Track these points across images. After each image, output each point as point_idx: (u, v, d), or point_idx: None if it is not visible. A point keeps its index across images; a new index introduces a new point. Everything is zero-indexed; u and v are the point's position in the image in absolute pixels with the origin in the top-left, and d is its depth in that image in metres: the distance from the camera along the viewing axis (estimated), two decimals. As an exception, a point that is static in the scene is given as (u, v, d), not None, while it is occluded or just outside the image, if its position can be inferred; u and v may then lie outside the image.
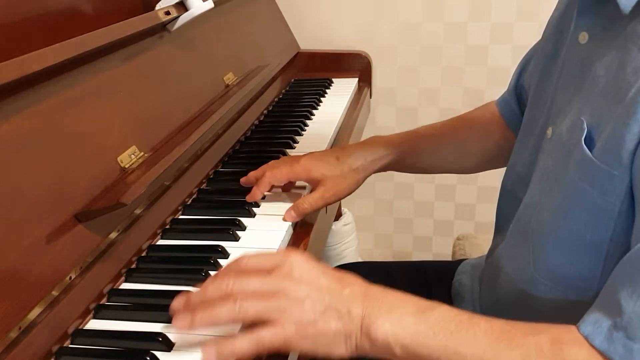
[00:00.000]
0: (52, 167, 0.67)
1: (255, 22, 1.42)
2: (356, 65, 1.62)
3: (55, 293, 0.62)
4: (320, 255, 1.02)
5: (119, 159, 0.77)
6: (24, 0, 0.75)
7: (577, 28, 0.66)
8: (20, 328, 0.57)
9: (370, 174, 0.91)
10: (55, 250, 0.63)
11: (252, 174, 0.89)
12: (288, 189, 0.92)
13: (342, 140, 1.18)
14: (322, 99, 1.39)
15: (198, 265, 0.73)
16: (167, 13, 0.97)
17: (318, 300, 0.57)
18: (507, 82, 0.97)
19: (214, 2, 1.06)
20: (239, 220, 0.81)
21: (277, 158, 0.95)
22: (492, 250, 0.85)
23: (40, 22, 0.77)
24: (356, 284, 0.59)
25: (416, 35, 1.65)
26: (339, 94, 1.44)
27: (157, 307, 0.65)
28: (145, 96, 0.89)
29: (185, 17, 1.00)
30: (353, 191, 0.90)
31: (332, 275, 0.60)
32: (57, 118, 0.71)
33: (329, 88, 1.47)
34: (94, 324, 0.65)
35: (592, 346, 0.52)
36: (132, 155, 0.79)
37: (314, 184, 0.87)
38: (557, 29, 0.73)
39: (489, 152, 0.94)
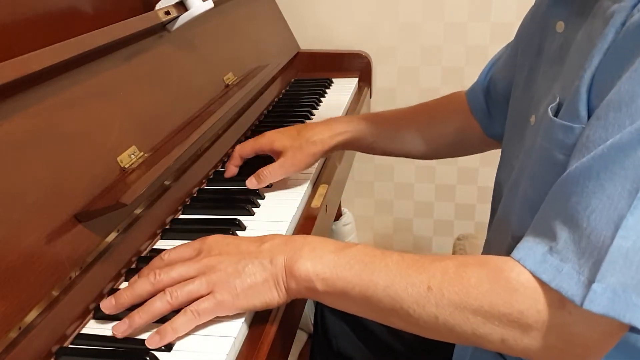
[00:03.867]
0: (52, 167, 0.67)
1: (255, 22, 1.42)
2: (356, 65, 1.62)
3: (55, 293, 0.62)
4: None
5: (119, 159, 0.77)
6: (24, 0, 0.75)
7: (553, 17, 0.68)
8: (20, 328, 0.57)
9: (330, 150, 0.96)
10: (55, 250, 0.63)
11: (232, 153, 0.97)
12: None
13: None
14: (322, 99, 1.39)
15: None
16: (167, 13, 0.97)
17: (240, 262, 0.61)
18: (507, 82, 0.98)
19: (214, 2, 1.05)
20: (239, 220, 0.81)
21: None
22: (485, 245, 0.85)
23: (40, 22, 0.77)
24: (276, 237, 0.64)
25: (416, 35, 1.65)
26: (339, 94, 1.44)
27: (157, 307, 0.65)
28: (145, 96, 0.89)
29: (185, 17, 1.00)
30: (311, 163, 0.95)
31: (250, 240, 0.65)
32: (57, 118, 0.71)
33: (329, 88, 1.47)
34: (94, 324, 0.65)
35: (525, 268, 0.54)
36: (132, 155, 0.79)
37: (277, 155, 0.93)
38: (539, 26, 0.74)
39: (446, 138, 0.98)
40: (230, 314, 0.62)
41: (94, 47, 0.77)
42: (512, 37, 0.90)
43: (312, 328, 1.08)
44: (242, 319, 0.63)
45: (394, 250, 0.60)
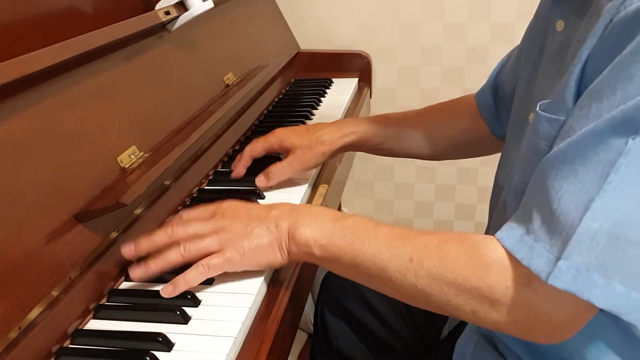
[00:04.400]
0: (52, 167, 0.67)
1: (255, 22, 1.42)
2: (356, 65, 1.62)
3: (55, 293, 0.62)
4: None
5: (119, 159, 0.77)
6: (24, 0, 0.75)
7: (553, 17, 0.69)
8: (20, 328, 0.57)
9: (338, 150, 0.98)
10: (55, 250, 0.63)
11: (238, 155, 0.98)
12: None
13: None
14: (322, 99, 1.39)
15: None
16: (167, 13, 0.97)
17: (250, 225, 0.68)
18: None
19: (214, 2, 1.06)
20: (239, 220, 0.81)
21: (277, 158, 0.99)
22: None
23: (40, 22, 0.77)
24: (283, 205, 0.71)
25: (416, 35, 1.65)
26: (339, 94, 1.44)
27: (157, 307, 0.65)
28: (145, 96, 0.89)
29: (185, 17, 1.00)
30: (319, 162, 0.97)
31: (261, 206, 0.72)
32: (57, 118, 0.71)
33: (329, 88, 1.47)
34: (94, 324, 0.65)
35: (503, 247, 0.57)
36: (132, 155, 0.79)
37: (286, 153, 0.95)
38: (541, 26, 0.75)
39: (453, 139, 1.00)
40: (237, 271, 0.68)
41: (94, 47, 0.77)
42: (512, 37, 0.90)
43: (312, 328, 1.08)
44: (242, 319, 0.63)
45: (387, 223, 0.65)
